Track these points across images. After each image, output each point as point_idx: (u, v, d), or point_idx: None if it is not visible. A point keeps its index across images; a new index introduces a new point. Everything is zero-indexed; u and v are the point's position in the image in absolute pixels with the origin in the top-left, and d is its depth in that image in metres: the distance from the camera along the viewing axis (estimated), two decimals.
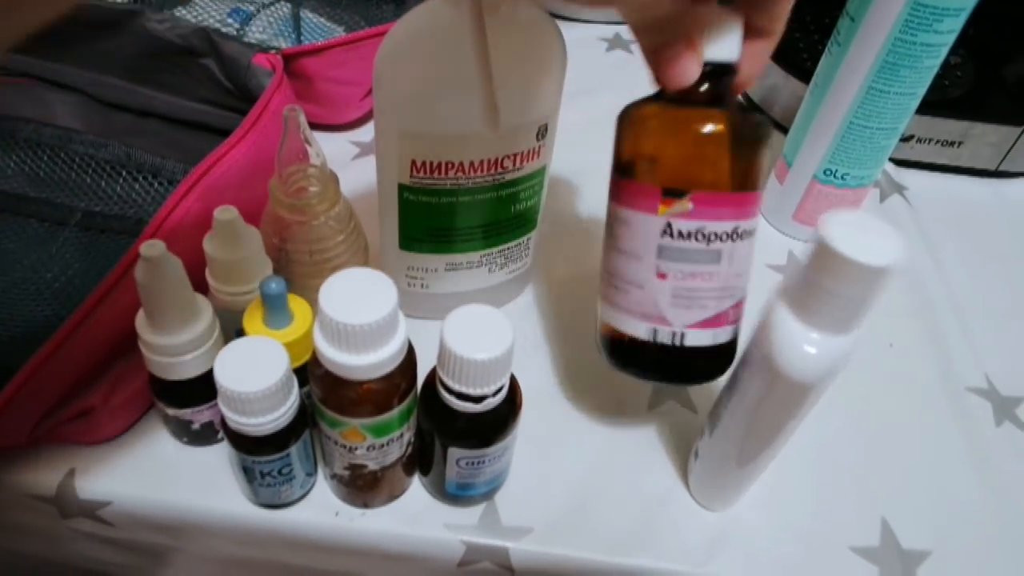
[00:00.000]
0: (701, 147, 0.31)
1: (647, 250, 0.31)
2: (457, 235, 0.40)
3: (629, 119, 0.33)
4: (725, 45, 0.30)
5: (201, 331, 0.33)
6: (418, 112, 0.35)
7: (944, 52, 0.42)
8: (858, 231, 0.27)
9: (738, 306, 0.34)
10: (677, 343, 0.32)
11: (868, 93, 0.44)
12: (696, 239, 0.31)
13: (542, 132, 0.37)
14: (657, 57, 0.29)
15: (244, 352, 0.31)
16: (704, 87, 0.30)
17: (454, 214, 0.39)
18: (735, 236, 0.31)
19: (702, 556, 0.37)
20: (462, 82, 0.33)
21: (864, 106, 0.45)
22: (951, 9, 0.40)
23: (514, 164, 0.37)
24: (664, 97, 0.31)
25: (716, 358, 0.34)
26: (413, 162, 0.36)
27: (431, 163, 0.36)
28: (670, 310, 0.32)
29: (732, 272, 0.32)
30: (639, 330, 0.33)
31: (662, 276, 0.31)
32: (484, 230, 0.40)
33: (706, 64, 0.29)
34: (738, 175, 0.31)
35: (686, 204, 0.30)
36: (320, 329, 0.29)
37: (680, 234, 0.31)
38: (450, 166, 0.36)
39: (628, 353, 0.34)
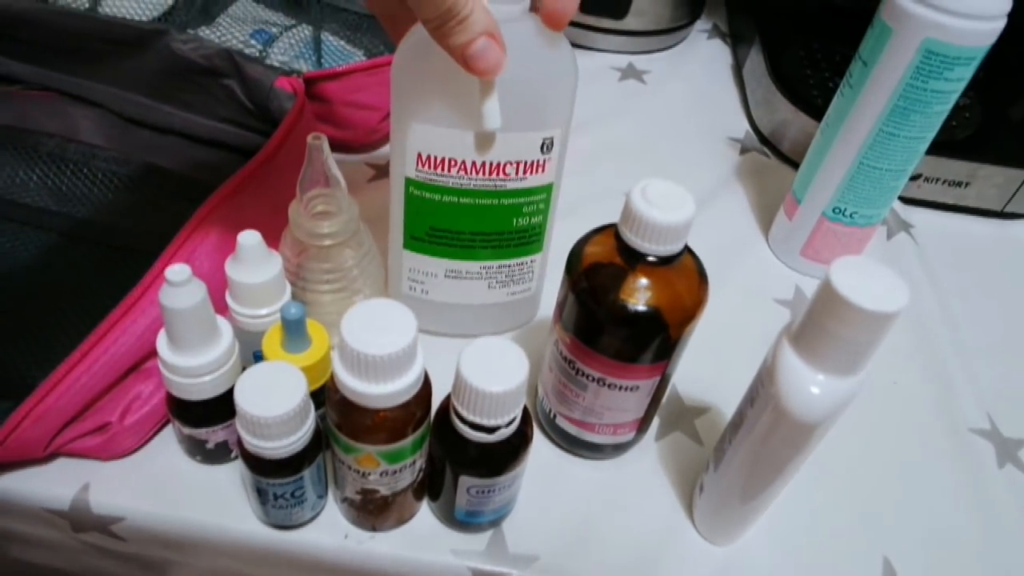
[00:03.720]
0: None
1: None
2: (457, 239, 0.41)
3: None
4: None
5: (220, 353, 0.34)
6: (424, 104, 0.36)
7: (954, 98, 0.43)
8: (864, 277, 0.28)
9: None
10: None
11: (878, 135, 0.45)
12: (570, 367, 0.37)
13: (547, 145, 0.38)
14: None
15: (264, 376, 0.31)
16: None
17: (455, 215, 0.40)
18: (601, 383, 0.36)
19: None
20: (466, 81, 0.34)
21: (874, 148, 0.46)
22: (962, 58, 0.41)
23: (516, 172, 0.38)
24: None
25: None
26: (419, 155, 0.37)
27: (435, 158, 0.37)
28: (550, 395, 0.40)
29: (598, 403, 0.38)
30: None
31: (550, 370, 0.39)
32: (484, 239, 0.41)
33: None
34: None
35: (566, 338, 0.36)
36: (340, 357, 0.30)
37: (562, 355, 0.37)
38: (453, 163, 0.37)
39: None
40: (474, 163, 0.37)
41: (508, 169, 0.38)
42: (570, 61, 0.36)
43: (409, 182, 0.39)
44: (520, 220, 0.41)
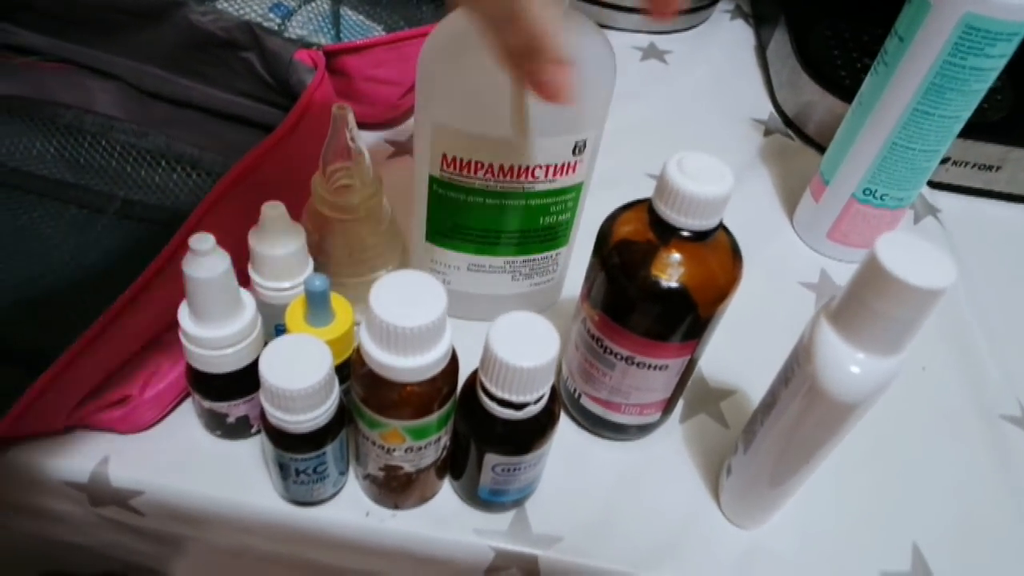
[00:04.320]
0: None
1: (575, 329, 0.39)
2: (481, 237, 0.40)
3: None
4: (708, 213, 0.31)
5: (244, 326, 0.33)
6: (452, 108, 0.35)
7: (993, 76, 0.42)
8: (910, 253, 0.27)
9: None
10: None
11: (913, 115, 0.44)
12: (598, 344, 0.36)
13: (580, 147, 0.37)
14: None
15: (289, 349, 0.31)
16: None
17: (480, 215, 0.39)
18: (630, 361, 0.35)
19: (731, 574, 0.36)
20: (496, 85, 0.33)
21: (908, 127, 0.44)
22: (1004, 34, 0.40)
23: (546, 175, 0.37)
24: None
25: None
26: (444, 156, 0.36)
27: (461, 160, 0.36)
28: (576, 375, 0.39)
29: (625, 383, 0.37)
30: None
31: (576, 348, 0.38)
32: (509, 237, 0.40)
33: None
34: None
35: (594, 315, 0.36)
36: (367, 329, 0.29)
37: (590, 333, 0.36)
38: (479, 166, 0.36)
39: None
40: (501, 166, 0.36)
41: (537, 172, 0.37)
42: (609, 59, 0.35)
43: (433, 180, 0.38)
44: (547, 219, 0.40)
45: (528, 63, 0.26)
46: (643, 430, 0.40)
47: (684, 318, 0.33)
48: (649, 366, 0.35)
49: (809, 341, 0.30)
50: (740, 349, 0.43)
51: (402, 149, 0.56)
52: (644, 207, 0.33)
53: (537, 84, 0.26)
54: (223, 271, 0.31)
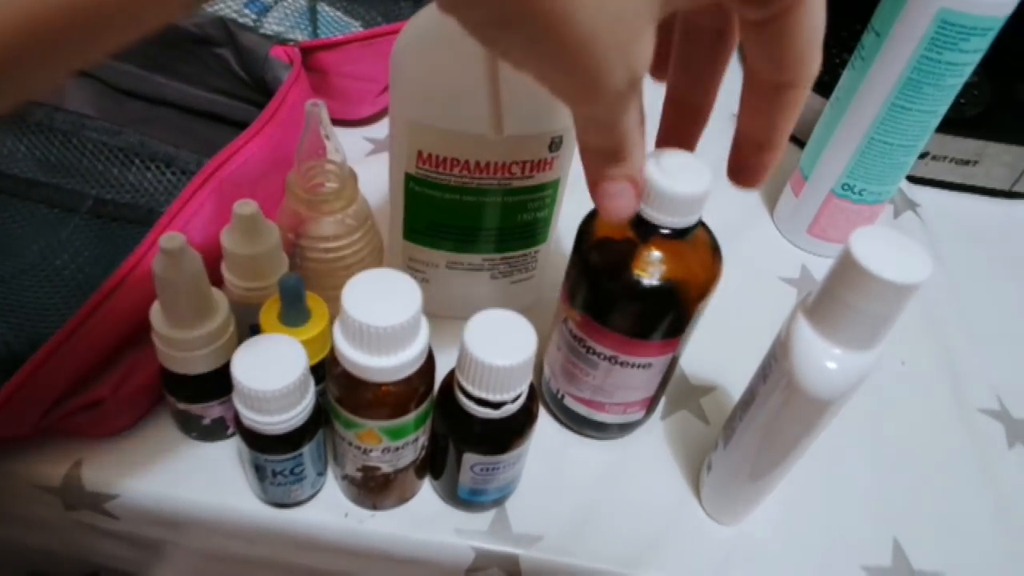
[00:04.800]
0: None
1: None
2: (459, 234, 0.40)
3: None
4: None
5: (216, 326, 0.33)
6: (426, 104, 0.35)
7: (968, 71, 0.42)
8: (885, 247, 0.27)
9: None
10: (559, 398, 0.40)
11: (890, 109, 0.44)
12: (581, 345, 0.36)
13: (556, 144, 0.36)
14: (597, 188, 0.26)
15: (262, 349, 0.30)
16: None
17: (457, 212, 0.38)
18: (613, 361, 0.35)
19: (713, 571, 0.36)
20: (472, 81, 0.32)
21: (885, 122, 0.45)
22: (978, 29, 0.40)
23: (523, 172, 0.37)
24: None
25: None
26: (420, 153, 0.36)
27: (437, 156, 0.36)
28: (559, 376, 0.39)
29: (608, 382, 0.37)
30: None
31: (559, 349, 0.38)
32: (487, 235, 0.40)
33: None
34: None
35: (575, 315, 0.35)
36: (341, 329, 0.29)
37: (572, 333, 0.36)
38: (455, 163, 0.36)
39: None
40: (478, 163, 0.36)
41: (514, 169, 0.37)
42: None
43: (409, 178, 0.37)
44: (525, 216, 0.39)
45: (606, 167, 0.25)
46: (625, 428, 0.40)
47: (666, 316, 0.33)
48: (632, 365, 0.35)
49: (786, 337, 0.30)
50: (721, 346, 0.43)
51: (381, 147, 0.55)
52: None
53: (603, 190, 0.26)
54: (194, 271, 0.31)
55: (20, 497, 0.37)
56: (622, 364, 0.35)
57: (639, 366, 0.35)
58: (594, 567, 0.36)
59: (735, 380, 0.43)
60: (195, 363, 0.33)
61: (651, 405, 0.39)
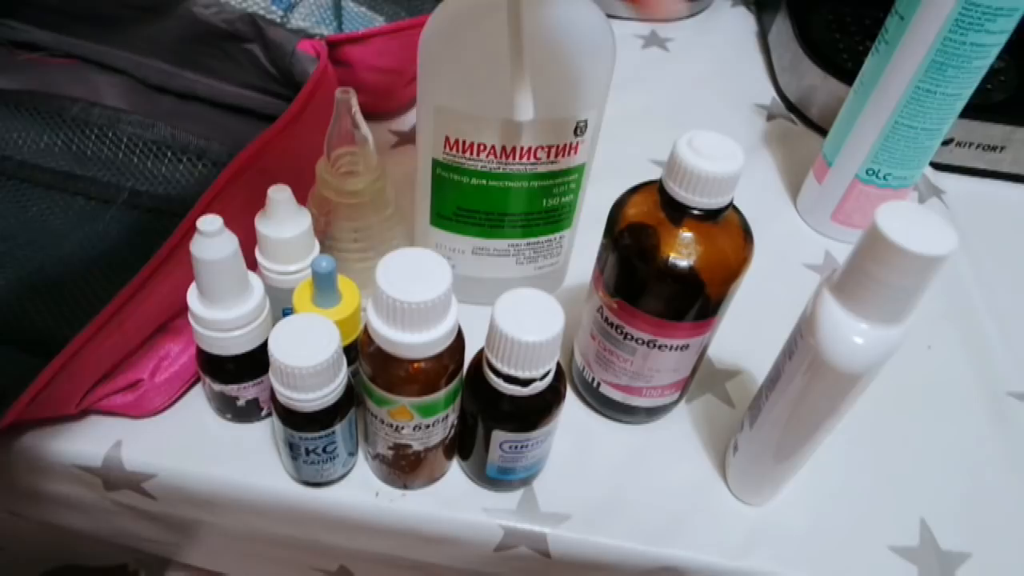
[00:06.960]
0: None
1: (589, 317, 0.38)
2: (485, 220, 0.40)
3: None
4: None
5: (252, 307, 0.34)
6: (453, 89, 0.35)
7: (994, 53, 0.42)
8: (911, 221, 0.27)
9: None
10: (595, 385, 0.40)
11: (915, 92, 0.44)
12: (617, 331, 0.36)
13: (581, 128, 0.37)
14: None
15: (298, 328, 0.31)
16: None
17: (483, 197, 0.39)
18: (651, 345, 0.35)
19: (739, 550, 0.37)
20: (498, 67, 0.33)
21: (910, 106, 0.45)
22: (1004, 9, 0.40)
23: (548, 156, 0.37)
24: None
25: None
26: (447, 138, 0.37)
27: (463, 142, 0.36)
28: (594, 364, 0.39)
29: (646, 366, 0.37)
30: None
31: (593, 337, 0.38)
32: (513, 220, 0.40)
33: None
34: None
35: (611, 302, 0.35)
36: (374, 306, 0.29)
37: (607, 320, 0.36)
38: (482, 148, 0.37)
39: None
40: (504, 148, 0.36)
41: (540, 153, 0.37)
42: (608, 38, 0.35)
43: (436, 163, 0.38)
44: (550, 200, 0.40)
45: None
46: (653, 413, 0.40)
47: (699, 296, 0.34)
48: (670, 347, 0.35)
49: (812, 313, 0.30)
50: (745, 331, 0.43)
51: (405, 139, 0.56)
52: (653, 188, 0.33)
53: None
54: (231, 252, 0.31)
55: (61, 477, 0.38)
56: (660, 347, 0.35)
57: (676, 348, 0.35)
58: (622, 545, 0.36)
59: (760, 364, 0.43)
60: (231, 344, 0.34)
61: (686, 386, 0.39)
